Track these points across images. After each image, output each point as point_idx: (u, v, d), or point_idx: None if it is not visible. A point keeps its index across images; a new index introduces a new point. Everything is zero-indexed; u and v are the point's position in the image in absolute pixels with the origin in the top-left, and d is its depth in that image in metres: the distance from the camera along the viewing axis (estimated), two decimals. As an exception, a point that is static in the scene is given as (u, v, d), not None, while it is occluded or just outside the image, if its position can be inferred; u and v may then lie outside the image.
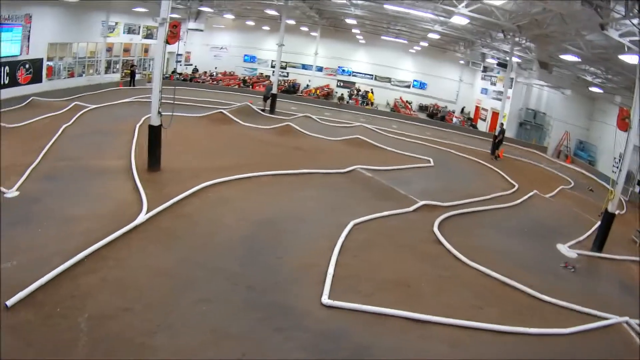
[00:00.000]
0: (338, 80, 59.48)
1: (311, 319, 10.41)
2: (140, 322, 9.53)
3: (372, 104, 53.09)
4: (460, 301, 12.17)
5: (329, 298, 11.15)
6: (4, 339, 8.39)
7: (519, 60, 38.55)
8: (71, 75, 40.29)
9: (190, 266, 12.15)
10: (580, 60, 26.85)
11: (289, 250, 13.71)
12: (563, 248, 17.31)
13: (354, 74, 59.30)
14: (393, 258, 14.16)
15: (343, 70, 59.37)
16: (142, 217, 14.32)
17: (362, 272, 12.92)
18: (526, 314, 12.03)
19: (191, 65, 58.63)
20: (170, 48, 19.22)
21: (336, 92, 56.27)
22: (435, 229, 16.43)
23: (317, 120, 36.27)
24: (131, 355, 8.60)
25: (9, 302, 9.39)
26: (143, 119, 25.81)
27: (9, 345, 8.30)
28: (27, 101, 30.92)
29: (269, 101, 38.14)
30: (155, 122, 18.83)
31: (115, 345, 8.78)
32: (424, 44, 49.55)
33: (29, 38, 34.48)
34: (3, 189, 15.78)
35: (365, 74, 59.05)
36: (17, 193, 15.73)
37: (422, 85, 57.41)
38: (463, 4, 24.97)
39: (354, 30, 51.15)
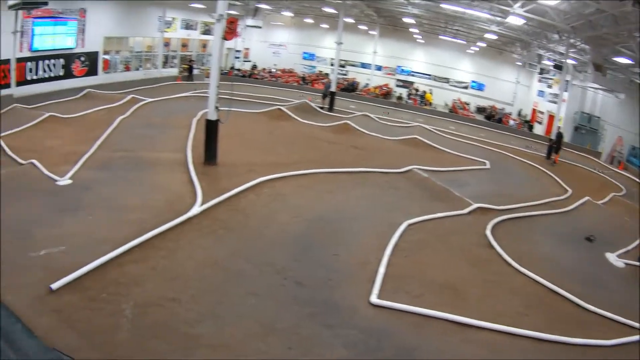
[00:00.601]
0: (397, 80, 59.07)
1: (359, 317, 10.33)
2: (186, 312, 9.62)
3: (430, 104, 52.61)
4: (506, 307, 11.86)
5: (377, 297, 11.03)
6: (46, 321, 8.44)
7: (574, 63, 37.67)
8: (127, 68, 40.96)
9: (241, 260, 12.17)
10: (633, 62, 26.16)
11: (342, 247, 13.60)
12: (612, 257, 16.73)
13: (412, 73, 58.82)
14: (444, 260, 13.92)
15: (402, 70, 58.95)
16: (196, 209, 14.41)
17: (412, 272, 12.75)
18: (570, 322, 11.62)
19: (250, 61, 59.17)
20: (228, 44, 19.33)
21: (395, 92, 55.88)
22: (488, 233, 16.07)
23: (376, 119, 36.03)
24: (174, 344, 8.66)
25: (54, 286, 9.54)
26: (200, 113, 25.92)
27: (51, 326, 8.35)
28: (83, 93, 31.54)
29: (327, 99, 38.20)
30: (213, 116, 19.02)
31: (158, 332, 8.86)
32: (482, 44, 48.93)
33: (84, 31, 34.98)
34: (56, 177, 16.10)
35: (423, 74, 58.45)
36: (69, 181, 16.02)
37: (480, 87, 56.55)
38: (518, 4, 24.93)
39: (412, 30, 50.69)
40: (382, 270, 12.30)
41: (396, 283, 11.88)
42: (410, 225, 15.73)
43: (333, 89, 38.47)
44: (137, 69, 42.36)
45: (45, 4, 26.88)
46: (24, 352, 2.67)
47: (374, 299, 10.96)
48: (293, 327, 9.65)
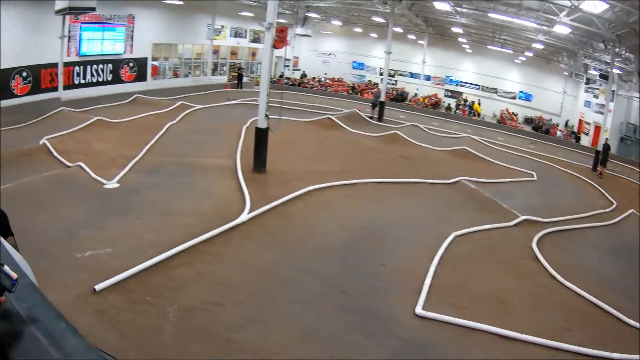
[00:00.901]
0: (446, 90, 58.70)
1: (403, 327, 10.19)
2: (230, 317, 9.63)
3: (478, 114, 52.15)
4: (550, 321, 11.59)
5: (422, 308, 10.85)
6: (88, 321, 8.49)
7: (620, 72, 37.06)
8: (176, 75, 41.52)
9: (287, 267, 12.13)
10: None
11: (389, 257, 13.45)
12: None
13: (461, 83, 58.39)
14: (489, 272, 13.68)
15: (451, 80, 58.55)
16: (244, 216, 14.38)
17: (457, 284, 12.58)
18: (612, 338, 11.33)
19: (299, 70, 59.46)
20: (278, 52, 19.39)
21: (444, 102, 55.55)
22: (534, 245, 15.82)
23: (425, 129, 35.86)
24: (216, 348, 8.68)
25: (98, 287, 9.62)
26: (250, 121, 26.03)
27: (92, 326, 8.39)
28: (131, 98, 32.03)
29: (377, 109, 38.15)
30: (263, 124, 19.06)
31: (200, 336, 8.90)
32: (529, 54, 48.37)
33: (132, 37, 35.54)
34: (103, 180, 16.32)
35: (472, 84, 57.79)
36: (117, 185, 16.24)
37: (527, 97, 55.62)
38: (564, 13, 24.77)
39: (460, 39, 50.40)
40: (428, 281, 12.15)
41: (441, 294, 11.74)
42: (457, 236, 15.56)
43: (382, 98, 38.40)
44: (186, 76, 43.06)
45: (93, 9, 27.22)
46: (67, 350, 2.67)
47: (418, 309, 10.80)
48: (336, 335, 9.60)
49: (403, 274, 12.56)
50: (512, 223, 17.80)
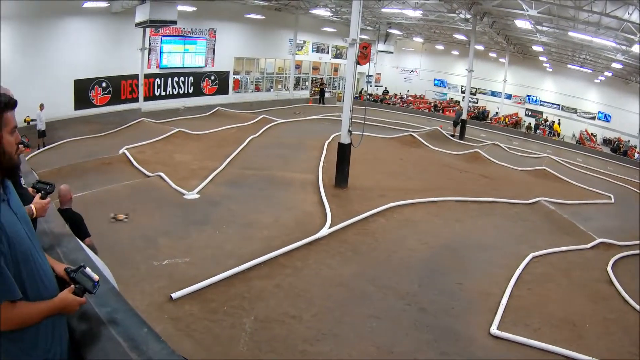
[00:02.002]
0: (526, 109, 57.75)
1: (477, 347, 10.11)
2: (306, 330, 9.64)
3: (558, 134, 51.22)
4: (620, 346, 11.28)
5: (497, 329, 10.74)
6: (162, 327, 8.62)
7: None
8: (258, 89, 41.94)
9: (366, 282, 12.02)
10: None
11: (466, 276, 13.29)
12: None
13: (541, 102, 57.39)
14: (564, 295, 13.39)
15: (531, 99, 57.63)
16: (325, 231, 14.37)
17: (532, 305, 12.35)
18: None
19: (381, 86, 59.38)
20: (360, 68, 19.37)
21: (524, 121, 54.69)
22: (609, 269, 15.40)
23: (505, 148, 35.41)
24: None
25: (175, 295, 9.78)
26: (332, 136, 26.19)
27: (167, 333, 8.47)
28: (213, 110, 32.57)
29: (458, 127, 37.83)
30: (345, 140, 19.00)
31: (276, 348, 8.94)
32: (608, 73, 47.28)
33: (214, 51, 36.07)
34: (183, 191, 16.64)
35: (552, 104, 56.75)
36: (197, 196, 16.50)
37: (606, 118, 54.13)
38: None
39: (540, 58, 49.65)
40: (504, 301, 12.04)
41: (516, 315, 11.58)
42: (534, 257, 15.32)
43: (464, 116, 38.09)
44: (268, 90, 43.73)
45: (174, 22, 27.75)
46: (148, 355, 2.78)
47: (493, 329, 10.71)
48: (410, 352, 9.50)
49: (480, 293, 12.43)
50: (588, 245, 17.41)
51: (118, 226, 13.39)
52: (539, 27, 32.94)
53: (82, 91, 29.10)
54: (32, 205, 4.02)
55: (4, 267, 2.57)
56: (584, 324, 12.00)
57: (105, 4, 28.33)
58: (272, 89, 44.06)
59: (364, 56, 18.36)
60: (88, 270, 3.04)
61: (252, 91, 41.76)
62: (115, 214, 13.93)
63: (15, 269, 2.66)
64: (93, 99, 29.70)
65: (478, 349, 9.99)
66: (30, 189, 4.80)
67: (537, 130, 50.41)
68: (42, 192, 4.29)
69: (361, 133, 19.02)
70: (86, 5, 27.46)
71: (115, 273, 5.10)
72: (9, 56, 24.42)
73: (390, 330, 10.12)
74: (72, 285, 2.96)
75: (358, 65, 18.61)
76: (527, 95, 56.49)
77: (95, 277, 3.04)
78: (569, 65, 48.41)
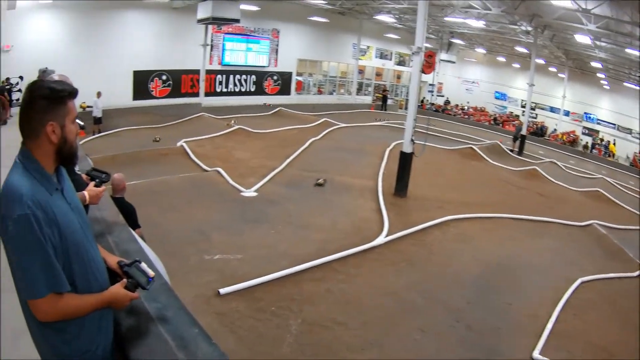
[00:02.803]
0: (583, 127, 56.77)
1: None
2: (352, 338, 9.51)
3: (613, 155, 50.32)
4: None
5: (539, 353, 10.50)
6: (206, 322, 8.55)
7: None
8: (320, 92, 42.19)
9: (416, 294, 11.82)
10: None
11: (516, 296, 13.03)
12: None
13: (598, 121, 56.35)
14: (607, 323, 13.02)
15: (588, 117, 56.58)
16: (381, 239, 14.17)
17: (575, 332, 12.08)
18: None
19: (442, 96, 58.87)
20: (423, 77, 19.19)
21: (581, 140, 53.86)
22: None
23: (562, 167, 34.91)
24: None
25: (223, 291, 9.77)
26: (393, 144, 25.95)
27: (210, 328, 8.33)
28: (275, 110, 32.93)
29: (517, 142, 37.26)
30: (408, 149, 18.75)
31: (319, 353, 8.86)
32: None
33: (277, 51, 36.35)
34: (241, 188, 16.68)
35: (608, 123, 55.75)
36: (254, 194, 16.52)
37: None
38: None
39: (598, 75, 48.82)
40: (549, 326, 11.81)
41: (559, 341, 11.29)
42: (583, 282, 15.00)
43: (523, 132, 37.64)
44: (331, 93, 43.92)
45: (237, 21, 27.88)
46: (197, 356, 2.74)
47: (536, 354, 10.50)
48: None
49: (528, 315, 12.19)
50: (635, 274, 17.04)
51: (171, 218, 13.48)
52: (597, 43, 32.48)
53: (142, 82, 29.73)
54: (85, 192, 4.02)
55: (53, 259, 2.57)
56: (622, 354, 11.77)
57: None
58: (334, 93, 44.23)
59: (428, 65, 18.16)
60: (143, 265, 2.99)
61: (314, 93, 42.00)
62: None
63: (65, 261, 2.67)
64: (152, 91, 30.30)
65: (519, 374, 9.83)
66: (84, 176, 4.76)
67: (593, 150, 49.73)
68: (97, 180, 4.33)
69: (423, 143, 18.82)
70: (147, -1, 28.00)
71: (164, 263, 5.03)
72: (69, 45, 25.38)
73: (434, 345, 9.97)
74: (125, 279, 2.92)
75: (422, 74, 18.41)
76: (585, 113, 55.51)
77: (151, 272, 2.99)
78: (625, 84, 47.57)
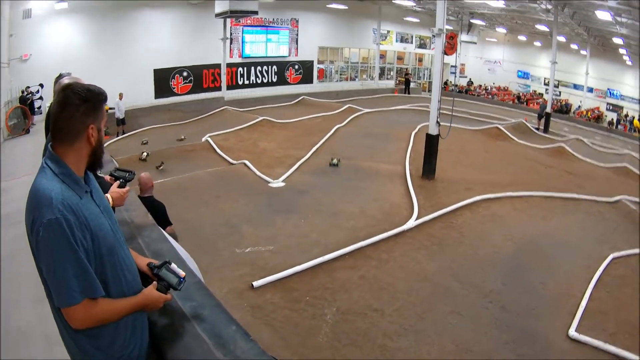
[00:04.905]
0: (607, 103, 56.20)
1: (555, 350, 9.81)
2: (387, 324, 9.51)
3: (638, 131, 49.81)
4: None
5: (576, 331, 10.37)
6: (240, 315, 8.63)
7: None
8: (346, 79, 42.14)
9: (449, 277, 11.78)
10: None
11: (549, 275, 12.88)
12: None
13: (621, 97, 55.73)
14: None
15: (612, 93, 55.95)
16: (411, 223, 14.09)
17: (609, 309, 11.84)
18: None
19: (465, 77, 58.59)
20: (445, 59, 19.05)
21: (606, 116, 53.31)
22: None
23: (588, 144, 34.33)
24: (369, 354, 8.65)
25: (256, 283, 9.76)
26: (419, 127, 25.91)
27: (245, 321, 8.36)
28: (298, 99, 33.01)
29: (542, 120, 36.99)
30: (433, 131, 18.68)
31: (356, 341, 8.86)
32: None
33: (297, 41, 36.35)
34: (268, 179, 16.72)
35: (632, 98, 55.12)
36: (282, 184, 16.53)
37: None
38: None
39: (620, 50, 48.26)
40: (583, 304, 11.66)
41: (593, 319, 11.17)
42: (615, 259, 14.78)
43: (548, 109, 37.36)
44: (353, 79, 43.74)
45: (255, 12, 27.87)
46: (236, 354, 2.69)
47: (572, 332, 10.40)
48: (488, 351, 9.32)
49: (561, 294, 12.06)
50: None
51: (201, 213, 13.52)
52: (618, 19, 32.08)
53: (163, 80, 29.90)
54: (108, 195, 3.87)
55: (86, 264, 2.52)
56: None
57: (183, -4, 28.95)
58: (357, 79, 44.09)
59: (450, 46, 18.08)
60: (174, 265, 2.95)
61: (337, 80, 41.93)
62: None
63: (98, 265, 2.62)
64: (174, 88, 30.46)
65: (555, 353, 9.76)
66: (107, 177, 4.71)
67: (619, 126, 49.31)
68: (121, 180, 4.23)
69: (449, 124, 18.68)
70: (164, -4, 28.16)
71: (196, 259, 5.00)
72: (88, 49, 25.68)
73: (470, 328, 9.91)
74: (155, 282, 2.88)
75: (445, 56, 18.27)
76: (608, 89, 54.97)
77: (182, 273, 2.95)
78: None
